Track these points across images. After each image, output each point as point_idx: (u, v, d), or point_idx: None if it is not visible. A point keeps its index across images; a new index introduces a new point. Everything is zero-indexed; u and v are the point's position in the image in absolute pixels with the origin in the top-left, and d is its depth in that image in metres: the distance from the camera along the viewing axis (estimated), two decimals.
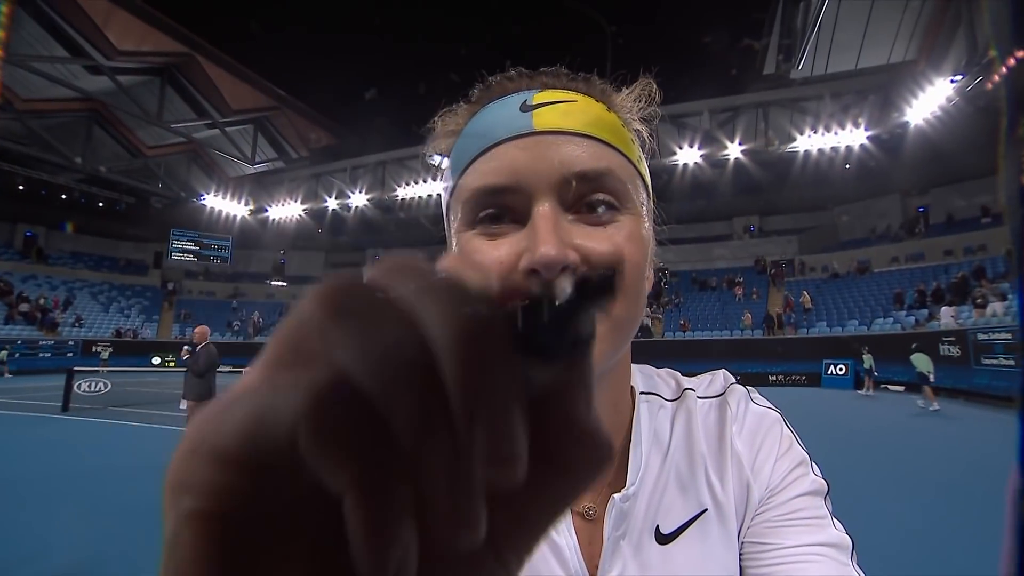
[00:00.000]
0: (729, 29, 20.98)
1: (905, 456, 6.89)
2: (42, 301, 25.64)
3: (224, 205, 32.45)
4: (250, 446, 0.16)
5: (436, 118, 0.57)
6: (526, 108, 0.49)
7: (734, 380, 0.63)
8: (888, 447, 7.58)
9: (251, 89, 23.89)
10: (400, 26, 28.31)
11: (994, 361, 12.63)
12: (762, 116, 23.06)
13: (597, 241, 0.46)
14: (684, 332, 22.10)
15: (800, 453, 0.57)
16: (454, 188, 0.52)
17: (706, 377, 0.63)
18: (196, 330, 6.53)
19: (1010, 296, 15.03)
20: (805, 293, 22.14)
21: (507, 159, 0.48)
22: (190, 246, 34.42)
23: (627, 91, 0.57)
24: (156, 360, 25.69)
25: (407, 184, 29.31)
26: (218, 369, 6.22)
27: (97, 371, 16.42)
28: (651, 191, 0.59)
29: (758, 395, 0.62)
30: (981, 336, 13.17)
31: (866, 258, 23.88)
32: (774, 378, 19.07)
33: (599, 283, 0.17)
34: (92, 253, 32.46)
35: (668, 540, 0.51)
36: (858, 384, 16.29)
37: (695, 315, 23.09)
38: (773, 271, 25.56)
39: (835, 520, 0.52)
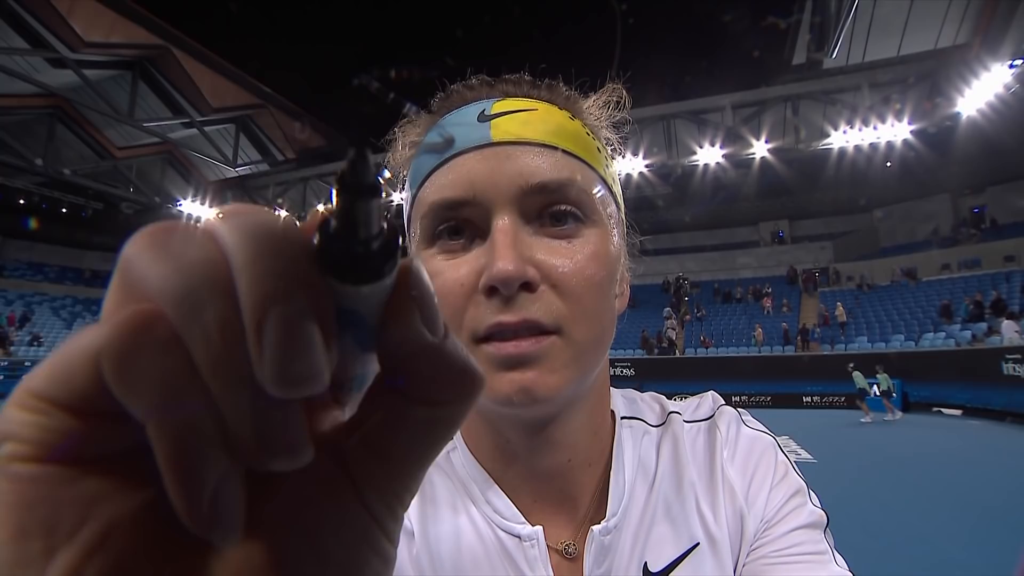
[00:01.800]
0: (754, 13, 20.59)
1: (955, 488, 6.18)
2: None
3: (204, 211, 32.24)
4: (60, 383, 0.16)
5: (396, 128, 0.58)
6: (484, 118, 0.51)
7: (723, 402, 0.63)
8: (939, 476, 6.88)
9: (232, 85, 23.67)
10: (398, 10, 28.25)
11: None
12: (791, 111, 22.47)
13: (558, 257, 0.48)
14: (706, 349, 21.36)
15: (797, 481, 0.57)
16: (413, 202, 0.55)
17: (693, 400, 0.63)
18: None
19: None
20: (840, 305, 21.36)
21: (464, 171, 0.49)
22: None
23: (594, 97, 0.58)
24: None
25: (403, 188, 29.03)
26: None
27: None
28: (621, 202, 0.59)
29: (750, 417, 0.61)
30: None
31: (911, 265, 23.09)
32: (808, 399, 18.34)
33: (352, 168, 0.18)
34: (53, 264, 32.19)
35: None
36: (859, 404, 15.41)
37: (718, 330, 22.35)
38: (805, 279, 24.82)
39: (836, 554, 0.51)
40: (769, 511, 0.53)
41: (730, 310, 24.36)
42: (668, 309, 25.56)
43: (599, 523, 0.51)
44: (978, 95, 17.71)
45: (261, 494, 0.17)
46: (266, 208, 0.19)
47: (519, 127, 0.49)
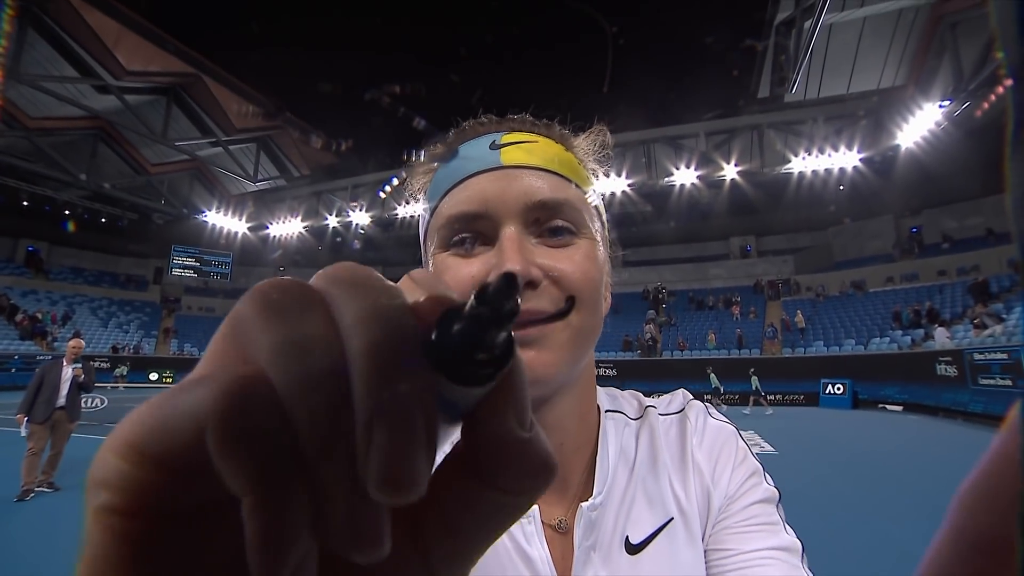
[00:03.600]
0: (724, 53, 21.41)
1: (899, 475, 6.84)
2: (40, 316, 25.53)
3: (225, 222, 32.55)
4: (161, 439, 0.15)
5: (417, 153, 0.62)
6: (495, 146, 0.55)
7: (692, 397, 0.66)
8: (884, 466, 7.53)
9: (255, 108, 24.17)
10: (406, 43, 28.79)
11: (991, 381, 12.60)
12: (757, 138, 23.39)
13: (558, 260, 0.51)
14: (681, 351, 22.02)
15: (754, 464, 0.60)
16: (431, 216, 0.58)
17: (666, 397, 0.66)
18: (74, 343, 5.99)
19: (1005, 316, 15.09)
20: (799, 312, 22.17)
21: (478, 189, 0.53)
22: (191, 262, 34.51)
23: (584, 136, 0.63)
24: (154, 376, 25.50)
25: (407, 202, 29.55)
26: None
27: (107, 387, 16.26)
28: (605, 220, 0.63)
29: (715, 411, 0.65)
30: (978, 356, 13.15)
31: (860, 278, 23.99)
32: (772, 397, 18.94)
33: (499, 290, 0.17)
34: (92, 268, 32.43)
35: (638, 550, 0.53)
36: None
37: (692, 334, 23.05)
38: (769, 290, 25.67)
39: (787, 526, 0.56)
40: (731, 489, 0.56)
41: (703, 316, 25.08)
42: (652, 311, 26.29)
43: (587, 501, 0.53)
44: (914, 129, 18.61)
45: (332, 568, 0.17)
46: (379, 278, 0.18)
47: (524, 155, 0.54)
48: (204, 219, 31.57)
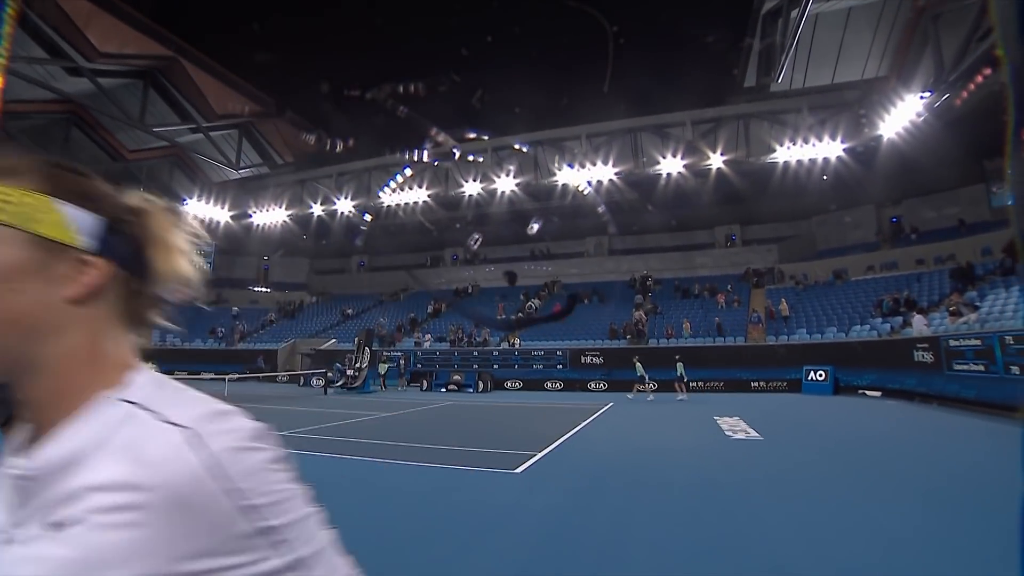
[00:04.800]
0: (711, 43, 21.46)
1: (878, 459, 7.08)
2: None
3: (207, 210, 31.92)
4: None
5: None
6: None
7: (226, 410, 0.53)
8: (864, 450, 7.77)
9: (236, 94, 23.61)
10: (386, 32, 28.22)
11: (965, 367, 13.00)
12: (743, 127, 23.59)
13: None
14: (668, 339, 22.29)
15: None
16: None
17: (220, 407, 0.54)
18: None
19: (979, 304, 15.54)
20: (783, 300, 22.57)
21: None
22: None
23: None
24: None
25: (392, 191, 29.23)
26: None
27: None
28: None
29: (223, 429, 0.52)
30: (952, 343, 13.55)
31: (842, 267, 24.47)
32: (756, 384, 19.33)
33: None
34: None
35: (14, 542, 0.50)
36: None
37: (678, 322, 23.33)
38: (754, 278, 26.05)
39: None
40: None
41: (689, 304, 25.38)
42: (639, 296, 26.53)
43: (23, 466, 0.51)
44: (896, 120, 18.91)
45: None
46: None
47: None
48: (185, 207, 30.92)
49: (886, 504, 4.80)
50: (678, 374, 16.76)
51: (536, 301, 29.13)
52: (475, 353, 23.84)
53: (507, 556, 3.56)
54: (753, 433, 9.03)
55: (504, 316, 27.55)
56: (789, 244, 27.90)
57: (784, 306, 22.10)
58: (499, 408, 14.46)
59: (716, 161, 23.77)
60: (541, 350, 23.02)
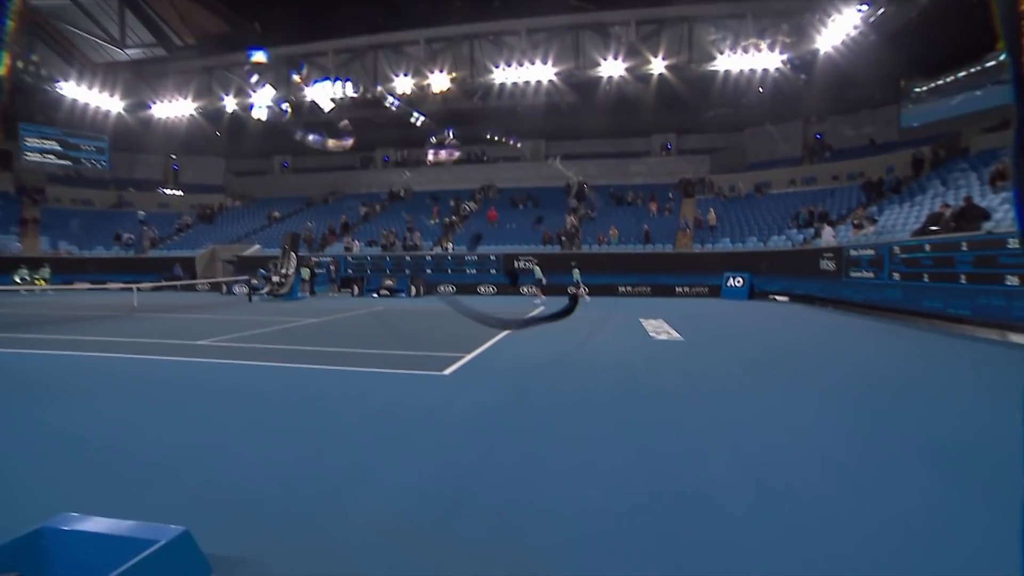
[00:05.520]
0: None
1: (784, 355, 7.73)
2: None
3: (92, 97, 27.69)
4: None
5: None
6: None
7: None
8: (772, 348, 8.46)
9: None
10: None
11: (859, 274, 14.20)
12: (687, 31, 22.83)
13: None
14: (600, 245, 22.72)
15: None
16: None
17: None
18: None
19: (878, 218, 16.75)
20: (712, 210, 23.37)
21: None
22: (50, 145, 29.35)
23: None
24: (19, 278, 22.65)
25: (315, 84, 26.46)
26: None
27: None
28: None
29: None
30: (852, 252, 14.67)
31: (767, 180, 25.44)
32: (680, 290, 20.47)
33: None
34: None
35: None
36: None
37: (611, 228, 23.64)
38: (687, 188, 26.63)
39: None
40: None
41: (622, 212, 25.75)
42: (573, 200, 26.58)
43: None
44: (834, 33, 18.91)
45: None
46: None
47: None
48: (60, 92, 26.59)
49: (788, 393, 5.24)
50: (574, 280, 17.71)
51: (471, 204, 28.49)
52: (407, 258, 23.39)
53: (431, 454, 3.55)
54: (675, 334, 9.50)
55: (437, 221, 26.85)
56: (721, 155, 28.44)
57: (712, 216, 22.91)
58: (431, 312, 14.44)
59: (658, 66, 23.13)
60: (474, 255, 22.91)
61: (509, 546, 2.32)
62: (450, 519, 2.60)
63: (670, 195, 26.16)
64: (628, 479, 3.08)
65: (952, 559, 2.21)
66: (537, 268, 18.12)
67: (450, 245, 24.00)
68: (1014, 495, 2.94)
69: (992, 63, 19.20)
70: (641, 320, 11.94)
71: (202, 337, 8.97)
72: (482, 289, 22.06)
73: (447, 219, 26.54)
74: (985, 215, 11.20)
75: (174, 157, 34.56)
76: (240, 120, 28.18)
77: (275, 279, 19.10)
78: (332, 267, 22.77)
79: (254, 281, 19.50)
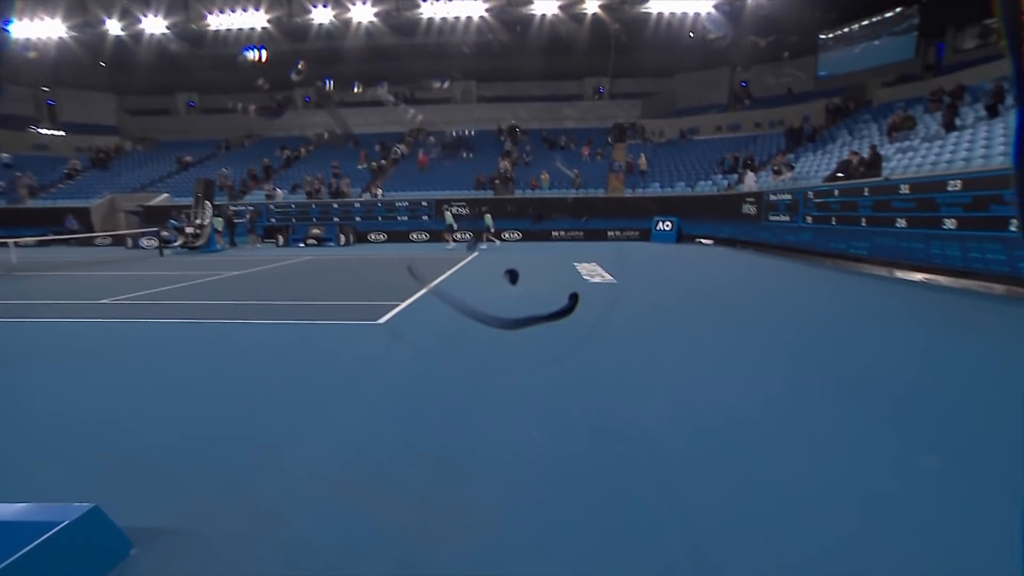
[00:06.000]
0: None
1: (709, 294, 8.18)
2: None
3: None
4: None
5: None
6: None
7: None
8: (698, 288, 8.91)
9: None
10: None
11: (776, 218, 15.11)
12: None
13: None
14: (533, 190, 22.56)
15: None
16: None
17: None
18: None
19: (795, 164, 17.71)
20: (643, 155, 23.71)
21: None
22: None
23: None
24: None
25: (222, 11, 23.62)
26: None
27: None
28: None
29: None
30: (772, 197, 15.52)
31: (696, 125, 26.03)
32: (612, 233, 20.94)
33: None
34: None
35: None
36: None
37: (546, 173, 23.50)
38: (618, 133, 26.73)
39: None
40: None
41: (554, 156, 25.51)
42: (507, 143, 26.03)
43: None
44: None
45: None
46: None
47: None
48: None
49: (716, 331, 5.54)
50: (486, 225, 18.10)
51: (402, 147, 27.25)
52: (335, 205, 22.23)
53: (371, 406, 3.46)
54: (609, 277, 9.78)
55: (365, 165, 25.49)
56: (652, 100, 28.62)
57: (643, 160, 23.27)
58: (362, 261, 13.95)
59: (592, 5, 22.54)
60: (405, 201, 22.14)
61: (453, 495, 2.32)
62: (391, 472, 2.56)
63: (609, 139, 26.16)
64: (568, 420, 3.16)
65: (857, 466, 2.46)
66: (448, 214, 18.55)
67: (379, 191, 22.97)
68: (905, 407, 3.27)
69: (890, 14, 20.38)
70: (575, 264, 12.14)
71: (104, 295, 8.15)
72: (414, 236, 21.54)
73: (375, 164, 25.23)
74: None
75: (46, 90, 30.05)
76: (128, 49, 24.80)
77: (189, 230, 17.58)
78: (250, 216, 21.17)
79: (165, 233, 17.85)
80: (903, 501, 2.20)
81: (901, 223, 9.91)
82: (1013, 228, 7.73)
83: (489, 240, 18.43)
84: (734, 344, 4.95)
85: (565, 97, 29.63)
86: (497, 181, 22.83)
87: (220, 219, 19.12)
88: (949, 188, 8.93)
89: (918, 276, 9.15)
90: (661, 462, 2.59)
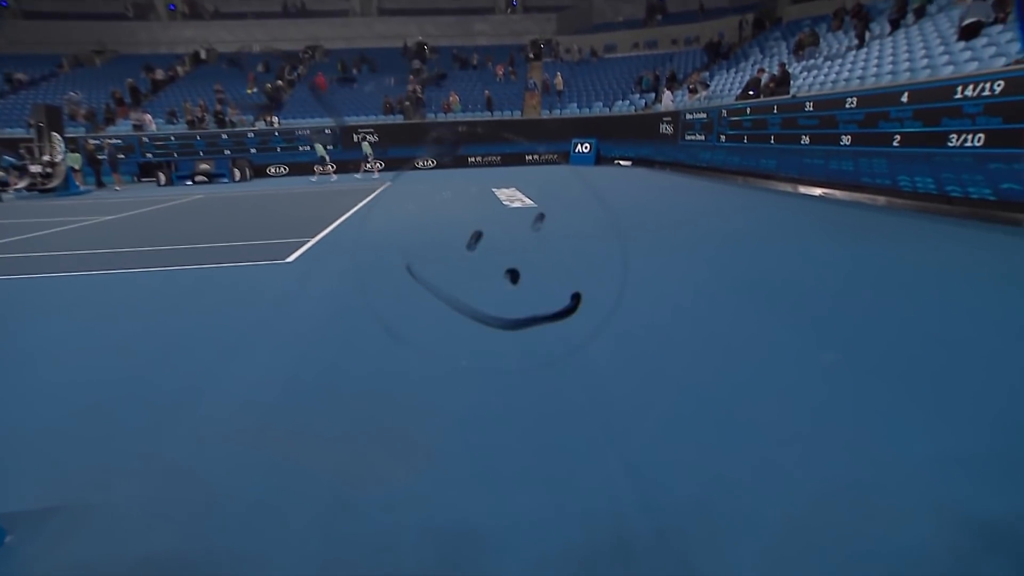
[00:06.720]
0: None
1: (631, 213, 8.42)
2: None
3: None
4: None
5: None
6: None
7: None
8: (621, 209, 9.15)
9: None
10: None
11: (692, 137, 15.59)
12: None
13: None
14: (446, 113, 21.57)
15: None
16: None
17: None
18: None
19: (710, 83, 18.12)
20: (559, 75, 23.18)
21: None
22: None
23: None
24: None
25: None
26: None
27: None
28: None
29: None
30: (688, 116, 15.90)
31: (613, 42, 25.63)
32: (530, 157, 20.72)
33: None
34: None
35: None
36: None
37: (460, 94, 22.45)
38: (532, 50, 25.80)
39: None
40: None
41: (466, 76, 24.37)
42: (417, 61, 24.41)
43: None
44: None
45: None
46: None
47: None
48: None
49: (635, 248, 5.73)
50: (364, 154, 17.71)
51: (301, 69, 24.75)
52: (224, 136, 20.07)
53: (286, 351, 3.27)
54: (529, 202, 9.74)
55: (256, 89, 22.96)
56: (567, 15, 27.67)
57: (559, 80, 22.79)
58: (262, 197, 12.89)
59: None
60: (306, 129, 20.45)
61: (376, 442, 2.27)
62: (312, 419, 2.45)
63: (530, 55, 25.16)
64: (495, 346, 3.16)
65: (770, 368, 2.69)
66: (319, 146, 17.78)
67: (275, 119, 20.93)
68: (807, 311, 3.57)
69: None
70: (494, 189, 11.96)
71: None
72: (318, 168, 20.13)
73: (268, 86, 22.75)
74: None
75: None
76: None
77: (35, 169, 15.17)
78: (108, 151, 18.08)
79: (1, 173, 15.29)
80: (806, 392, 2.45)
81: (805, 140, 10.57)
82: (895, 144, 8.50)
83: (366, 171, 17.87)
84: (654, 260, 5.15)
85: (476, 10, 27.90)
86: (407, 103, 21.52)
87: (77, 155, 16.55)
88: (847, 106, 9.56)
89: (818, 191, 9.93)
90: (590, 375, 2.69)
